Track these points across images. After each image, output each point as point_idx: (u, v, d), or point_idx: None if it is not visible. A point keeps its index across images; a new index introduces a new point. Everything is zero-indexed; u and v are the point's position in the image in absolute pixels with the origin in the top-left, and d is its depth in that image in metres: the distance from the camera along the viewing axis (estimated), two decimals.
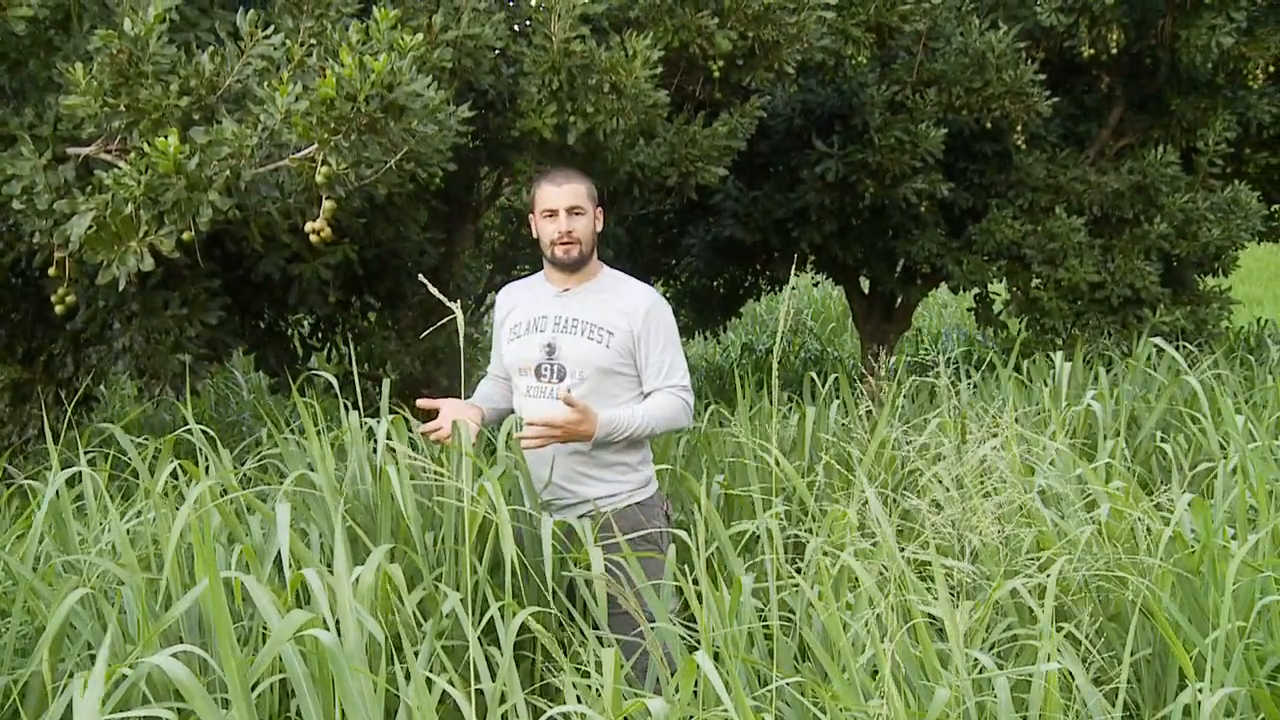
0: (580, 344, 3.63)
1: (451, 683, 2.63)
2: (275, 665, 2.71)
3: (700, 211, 8.92)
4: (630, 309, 3.66)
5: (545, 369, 3.64)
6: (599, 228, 3.74)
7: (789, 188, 8.22)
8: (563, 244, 3.64)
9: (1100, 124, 8.44)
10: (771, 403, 3.82)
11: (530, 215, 3.78)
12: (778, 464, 3.62)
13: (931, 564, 2.86)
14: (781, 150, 8.28)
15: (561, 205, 3.64)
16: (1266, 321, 11.15)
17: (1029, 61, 7.42)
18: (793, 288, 4.34)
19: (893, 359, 5.70)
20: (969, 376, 5.96)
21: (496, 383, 3.94)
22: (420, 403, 3.65)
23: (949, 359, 6.87)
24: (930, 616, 2.92)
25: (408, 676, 2.57)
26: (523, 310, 3.77)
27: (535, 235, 3.75)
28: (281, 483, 3.52)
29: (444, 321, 3.84)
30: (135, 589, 3.01)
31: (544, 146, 5.54)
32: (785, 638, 3.06)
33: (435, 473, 3.21)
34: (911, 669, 2.79)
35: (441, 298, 3.34)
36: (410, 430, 3.78)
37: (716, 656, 2.78)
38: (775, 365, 3.15)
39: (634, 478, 3.69)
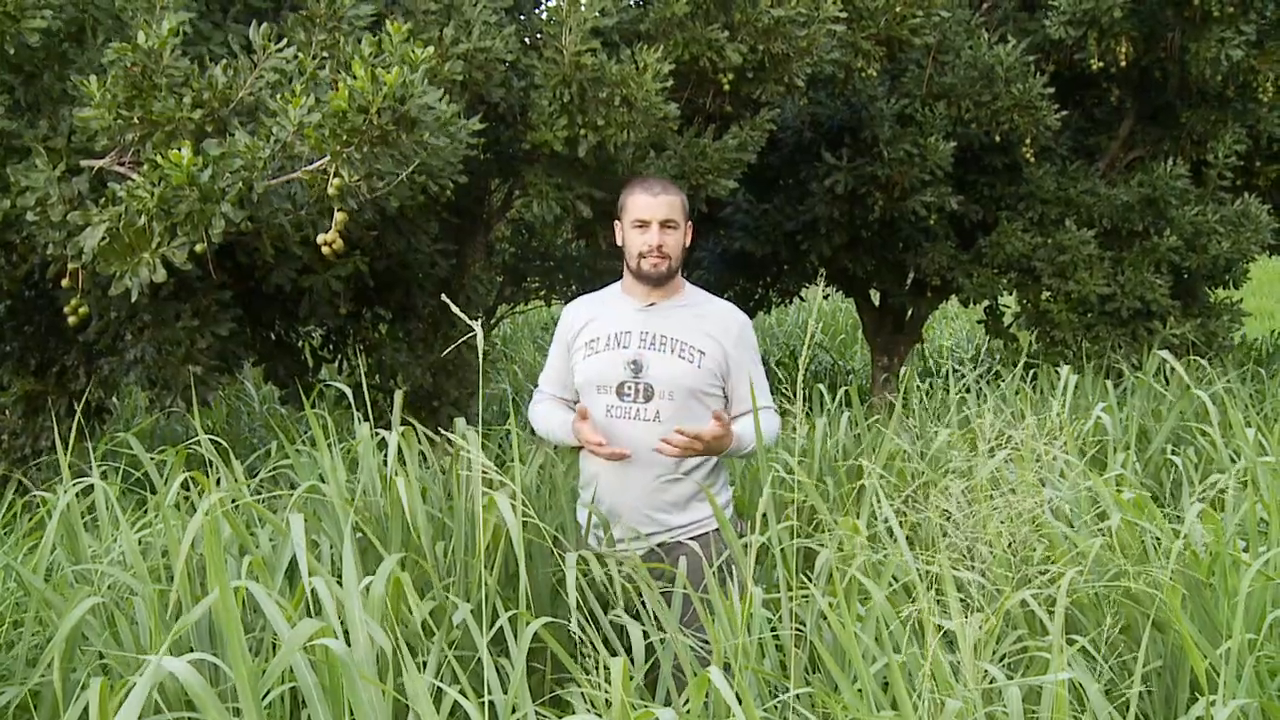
0: (671, 362, 3.48)
1: (462, 693, 2.63)
2: (286, 675, 2.72)
3: (710, 224, 8.93)
4: (722, 330, 3.54)
5: (630, 387, 3.48)
6: (688, 242, 3.59)
7: (799, 200, 8.22)
8: (653, 258, 3.49)
9: (1110, 136, 8.45)
10: (786, 414, 3.81)
11: (616, 221, 3.63)
12: (791, 473, 3.62)
13: (941, 575, 2.86)
14: (791, 163, 8.30)
15: (656, 218, 3.49)
16: (1278, 334, 11.12)
17: (1038, 74, 7.43)
18: (825, 295, 4.31)
19: (903, 370, 5.70)
20: (979, 392, 5.95)
21: (557, 402, 3.74)
22: (580, 409, 3.52)
23: (959, 372, 6.86)
24: (940, 628, 2.92)
25: None
26: (599, 325, 3.59)
27: (619, 243, 3.60)
28: (292, 494, 3.52)
29: (465, 338, 3.78)
30: (147, 599, 3.02)
31: (555, 159, 5.56)
32: (797, 649, 3.06)
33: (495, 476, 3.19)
34: (920, 679, 2.79)
35: (463, 316, 3.32)
36: (420, 441, 3.78)
37: (727, 667, 2.78)
38: (801, 376, 3.14)
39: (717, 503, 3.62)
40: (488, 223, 6.75)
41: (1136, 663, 2.69)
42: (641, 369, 3.47)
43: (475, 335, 3.29)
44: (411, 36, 4.27)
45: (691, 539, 3.52)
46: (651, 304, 3.56)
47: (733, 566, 3.39)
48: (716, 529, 3.53)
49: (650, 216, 3.50)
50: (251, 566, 3.09)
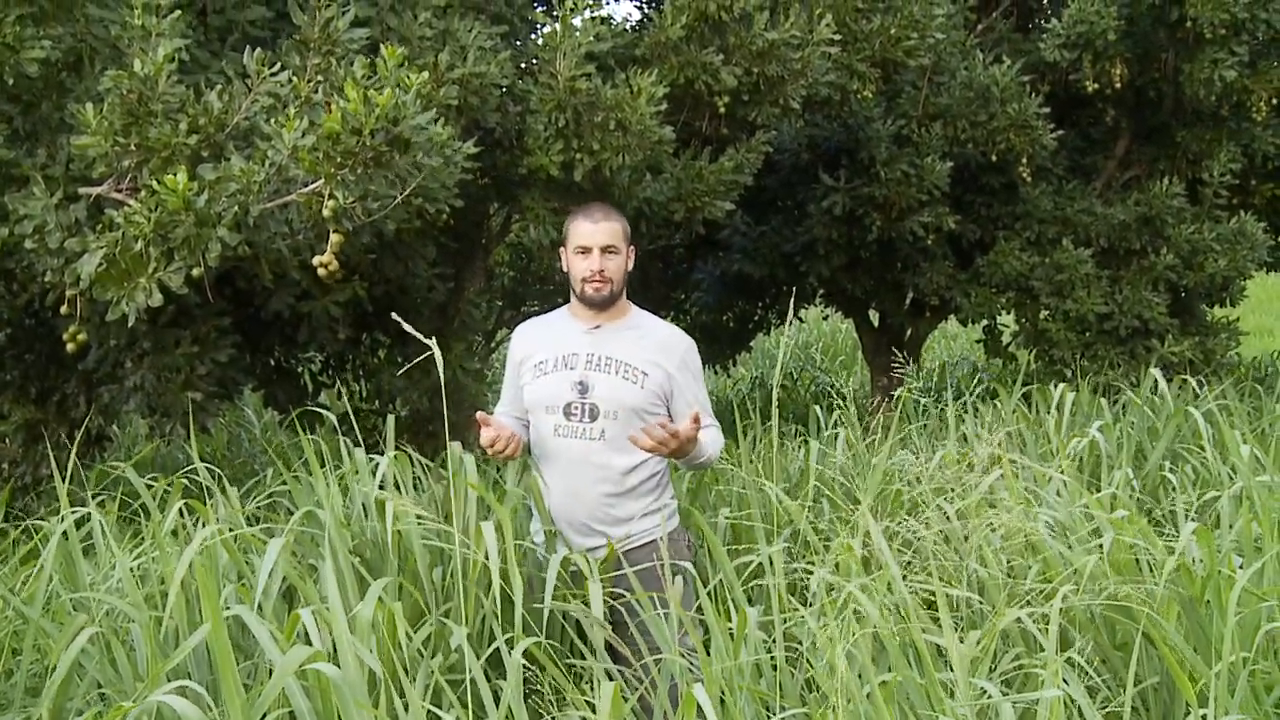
0: (615, 383, 3.56)
1: (457, 716, 2.63)
2: (282, 699, 2.72)
3: (708, 246, 8.95)
4: (666, 352, 3.63)
5: (576, 407, 3.56)
6: (630, 266, 3.69)
7: (796, 222, 8.25)
8: (594, 283, 3.59)
9: (1106, 156, 8.47)
10: (774, 437, 3.82)
11: (561, 249, 3.73)
12: (779, 500, 3.63)
13: (936, 595, 2.86)
14: (788, 185, 8.32)
15: (596, 244, 3.58)
16: (1277, 354, 11.12)
17: (1033, 95, 7.46)
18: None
19: (898, 391, 5.70)
20: (976, 410, 5.96)
21: (509, 421, 3.82)
22: (479, 415, 3.55)
23: (956, 390, 6.87)
24: (937, 647, 2.93)
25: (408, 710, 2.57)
26: (548, 348, 3.68)
27: (564, 269, 3.70)
28: (289, 520, 3.53)
29: (422, 357, 3.79)
30: (144, 627, 3.02)
31: (551, 183, 5.58)
32: (791, 669, 3.06)
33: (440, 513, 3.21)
34: (917, 698, 2.79)
35: (414, 332, 3.35)
36: (414, 465, 3.78)
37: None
38: (775, 399, 3.15)
39: (660, 515, 3.65)
40: (486, 247, 6.78)
41: (1128, 678, 2.70)
42: (588, 389, 3.58)
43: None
44: (406, 61, 4.29)
45: (634, 549, 3.61)
46: (597, 326, 3.67)
47: (680, 575, 3.49)
48: (661, 538, 3.62)
49: (591, 243, 3.60)
50: (239, 592, 3.10)
